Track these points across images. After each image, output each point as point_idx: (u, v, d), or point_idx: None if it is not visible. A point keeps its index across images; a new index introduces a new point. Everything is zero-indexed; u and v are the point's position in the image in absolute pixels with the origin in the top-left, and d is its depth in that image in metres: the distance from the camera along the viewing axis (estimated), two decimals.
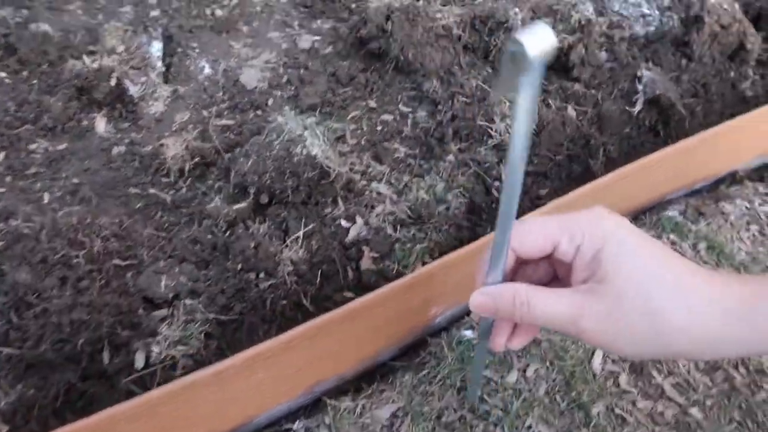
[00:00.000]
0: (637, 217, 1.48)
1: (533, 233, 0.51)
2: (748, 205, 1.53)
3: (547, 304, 0.48)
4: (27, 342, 1.04)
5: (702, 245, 1.41)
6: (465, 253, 1.12)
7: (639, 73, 1.64)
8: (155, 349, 1.09)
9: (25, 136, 1.47)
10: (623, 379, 1.19)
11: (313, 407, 1.15)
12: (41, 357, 1.03)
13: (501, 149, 1.51)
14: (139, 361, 1.09)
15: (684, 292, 0.45)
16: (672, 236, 1.41)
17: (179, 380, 0.91)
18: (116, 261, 1.14)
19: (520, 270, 0.56)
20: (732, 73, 1.80)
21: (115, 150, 1.46)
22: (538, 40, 0.37)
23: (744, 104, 1.77)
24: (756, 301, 0.44)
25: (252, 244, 1.20)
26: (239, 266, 1.19)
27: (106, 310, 1.07)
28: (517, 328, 0.57)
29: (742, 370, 1.23)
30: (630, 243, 0.47)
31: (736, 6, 1.81)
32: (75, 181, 1.38)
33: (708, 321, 0.44)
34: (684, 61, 1.79)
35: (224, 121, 1.54)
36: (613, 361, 1.22)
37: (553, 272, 0.56)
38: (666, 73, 1.73)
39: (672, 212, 1.48)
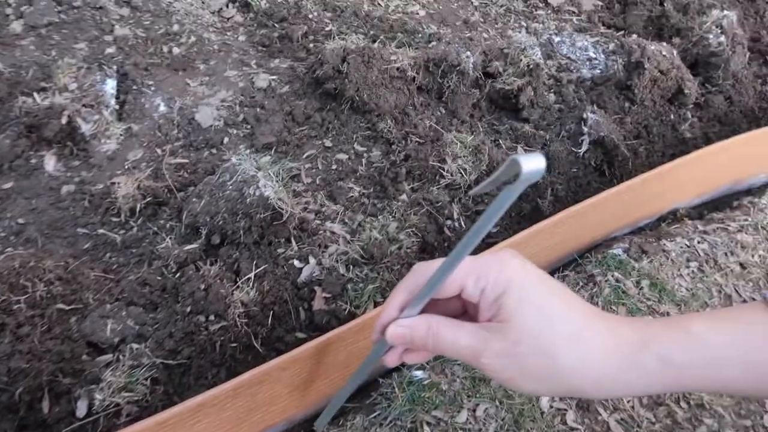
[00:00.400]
0: (583, 255, 1.53)
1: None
2: (687, 243, 1.60)
3: (454, 338, 0.52)
4: None
5: (645, 282, 1.46)
6: None
7: (584, 116, 1.72)
8: (98, 396, 1.06)
9: None
10: (570, 416, 1.21)
11: None
12: None
13: (453, 188, 1.54)
14: (81, 409, 1.06)
15: (578, 339, 0.48)
16: (617, 274, 1.46)
17: (125, 429, 0.89)
18: (60, 305, 1.12)
19: (433, 303, 0.59)
20: (672, 116, 1.90)
21: (65, 189, 1.44)
22: (532, 163, 0.44)
23: (683, 145, 1.86)
24: (643, 347, 0.48)
25: (202, 286, 1.20)
26: (188, 309, 1.18)
27: (48, 357, 1.04)
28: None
29: (683, 404, 1.27)
30: (531, 289, 0.50)
31: (674, 53, 1.92)
32: (20, 221, 1.35)
33: (601, 366, 0.48)
34: (627, 104, 1.87)
35: (178, 160, 1.54)
36: (561, 400, 1.24)
37: (462, 306, 0.60)
38: (610, 115, 1.81)
39: (617, 250, 1.53)
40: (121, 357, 1.12)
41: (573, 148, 1.69)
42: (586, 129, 1.69)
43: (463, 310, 0.59)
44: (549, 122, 1.80)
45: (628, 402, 1.26)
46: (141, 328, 1.16)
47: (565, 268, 1.50)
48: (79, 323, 1.13)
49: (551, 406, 1.22)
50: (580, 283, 1.44)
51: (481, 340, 0.51)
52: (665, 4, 2.32)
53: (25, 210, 1.38)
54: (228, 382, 0.96)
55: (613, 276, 1.46)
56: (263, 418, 1.08)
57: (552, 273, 1.49)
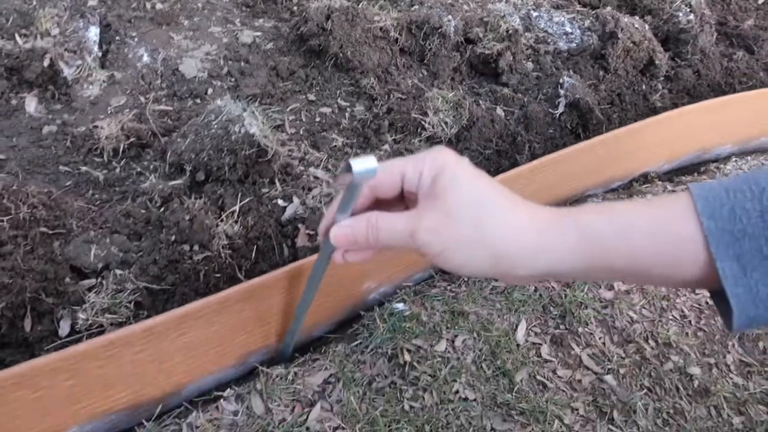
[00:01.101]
0: (559, 204, 1.58)
1: (385, 171, 0.57)
2: None
3: (391, 224, 0.54)
4: None
5: None
6: None
7: (561, 80, 1.77)
8: (82, 316, 1.06)
9: None
10: (544, 349, 1.26)
11: (245, 377, 1.15)
12: None
13: (434, 141, 1.58)
14: (64, 328, 1.06)
15: (506, 207, 0.51)
16: None
17: (107, 334, 0.89)
18: (43, 229, 1.12)
19: (377, 209, 0.61)
20: (643, 86, 1.97)
21: (46, 129, 1.43)
22: (362, 164, 0.51)
23: (654, 114, 1.93)
24: (566, 219, 0.50)
25: (187, 217, 1.21)
26: (173, 238, 1.19)
27: (30, 276, 1.04)
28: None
29: (651, 342, 1.33)
30: (463, 171, 0.53)
31: (646, 26, 2.00)
32: (1, 157, 1.34)
33: (525, 234, 0.50)
34: (601, 73, 1.94)
35: (162, 107, 1.55)
36: (536, 334, 1.28)
37: (404, 207, 0.61)
38: (585, 81, 1.87)
39: (592, 199, 1.59)
40: (104, 281, 1.12)
41: (550, 110, 1.74)
42: (562, 92, 1.74)
43: (406, 208, 0.61)
44: (527, 87, 1.86)
45: (600, 339, 1.31)
46: (125, 255, 1.16)
47: None
48: (62, 247, 1.13)
49: (527, 340, 1.27)
50: None
51: (416, 219, 0.53)
52: None
53: (5, 147, 1.37)
54: (214, 295, 0.97)
55: None
56: (246, 341, 1.09)
57: None
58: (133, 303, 1.10)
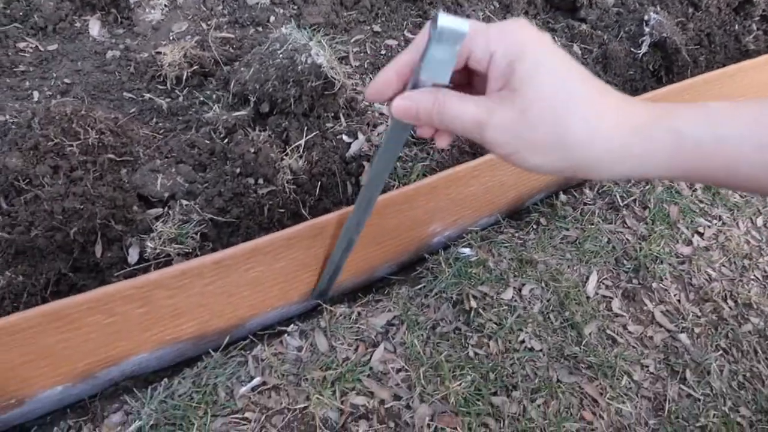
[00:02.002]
0: None
1: None
2: None
3: (459, 107, 0.47)
4: (17, 227, 1.01)
5: (698, 184, 1.42)
6: (470, 169, 1.11)
7: (646, 17, 1.63)
8: (150, 244, 1.06)
9: (13, 33, 1.41)
10: (615, 304, 1.20)
11: (308, 313, 1.14)
12: (32, 244, 1.00)
13: None
14: (133, 256, 1.07)
15: (591, 108, 0.45)
16: None
17: (179, 264, 0.89)
18: (111, 155, 1.10)
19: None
20: (736, 26, 1.80)
21: (109, 54, 1.41)
22: (451, 21, 0.44)
23: (745, 57, 1.77)
24: (657, 120, 0.45)
25: (252, 150, 1.17)
26: (238, 170, 1.16)
27: (100, 203, 1.04)
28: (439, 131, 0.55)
29: (730, 302, 1.25)
30: (546, 58, 0.45)
31: None
32: (66, 81, 1.33)
33: (611, 137, 0.44)
34: (691, 10, 1.77)
35: (224, 34, 1.49)
36: (607, 287, 1.23)
37: (469, 83, 0.54)
38: (673, 19, 1.71)
39: None
40: (170, 211, 1.11)
41: (632, 49, 1.61)
42: (647, 29, 1.60)
43: (470, 85, 0.54)
44: (607, 24, 1.72)
45: (675, 296, 1.24)
46: (190, 185, 1.15)
47: None
48: (129, 175, 1.12)
49: (597, 293, 1.21)
50: (632, 181, 1.40)
51: (487, 111, 0.46)
52: None
53: (70, 71, 1.35)
54: (283, 231, 0.95)
55: None
56: (312, 278, 1.08)
57: None
58: (198, 234, 1.10)
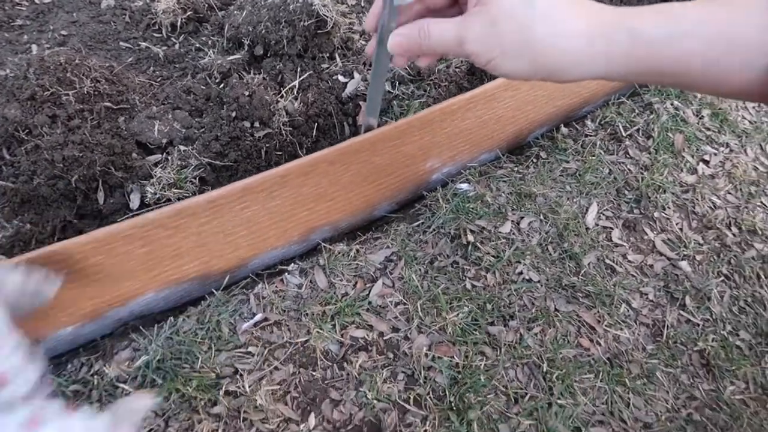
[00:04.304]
0: (643, 83, 1.44)
1: None
2: None
3: (441, 31, 0.53)
4: (20, 177, 1.04)
5: (706, 111, 1.38)
6: (466, 101, 1.10)
7: None
8: (150, 190, 1.09)
9: None
10: (615, 234, 1.20)
11: (308, 253, 1.17)
12: (36, 192, 1.03)
13: None
14: (134, 201, 1.09)
15: (554, 14, 0.48)
16: (676, 102, 1.38)
17: (174, 204, 0.91)
18: (107, 103, 1.12)
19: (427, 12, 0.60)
20: None
21: (104, 3, 1.40)
22: None
23: None
24: (618, 23, 0.48)
25: (247, 93, 1.18)
26: (234, 114, 1.17)
27: (99, 150, 1.06)
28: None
29: (734, 229, 1.24)
30: None
31: None
32: (63, 33, 1.34)
33: (574, 37, 0.48)
34: None
35: None
36: (607, 218, 1.22)
37: (457, 11, 0.59)
38: None
39: None
40: (169, 157, 1.13)
41: None
42: None
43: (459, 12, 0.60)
44: None
45: (677, 224, 1.23)
46: (187, 131, 1.16)
47: (622, 96, 1.42)
48: (127, 122, 1.13)
49: (597, 224, 1.21)
50: (636, 111, 1.37)
51: (464, 27, 0.52)
52: None
53: (66, 23, 1.36)
54: (275, 168, 0.96)
55: (672, 104, 1.38)
56: (309, 217, 1.09)
57: (606, 101, 1.41)
58: (197, 179, 1.12)
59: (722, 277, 1.17)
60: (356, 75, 1.28)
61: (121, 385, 0.92)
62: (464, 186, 1.20)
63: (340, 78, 1.28)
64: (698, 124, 1.36)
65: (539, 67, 0.50)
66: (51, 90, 1.06)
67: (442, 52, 0.56)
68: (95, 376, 0.93)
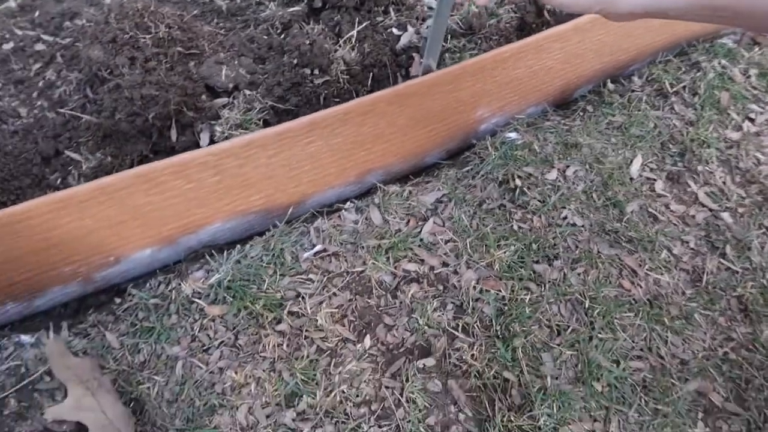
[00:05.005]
0: (691, 43, 1.46)
1: None
2: None
3: None
4: (103, 113, 1.13)
5: (753, 71, 1.40)
6: (516, 49, 1.14)
7: None
8: (218, 129, 1.17)
9: None
10: (659, 185, 1.24)
11: (363, 194, 1.23)
12: (116, 128, 1.12)
13: None
14: (204, 140, 1.17)
15: None
16: (723, 61, 1.40)
17: (245, 135, 0.99)
18: (179, 48, 1.20)
19: None
20: None
21: None
22: None
23: None
24: None
25: (307, 42, 1.24)
26: (295, 61, 1.24)
27: (173, 90, 1.14)
28: None
29: None
30: None
31: None
32: None
33: None
34: None
35: None
36: (651, 170, 1.26)
37: None
38: None
39: (726, 40, 1.45)
40: (235, 100, 1.21)
41: None
42: None
43: None
44: None
45: (720, 178, 1.26)
46: (252, 76, 1.23)
47: (670, 54, 1.44)
48: (197, 67, 1.21)
49: (641, 175, 1.25)
50: (683, 69, 1.40)
51: None
52: None
53: None
54: (338, 106, 1.03)
55: (719, 63, 1.40)
56: (366, 158, 1.16)
57: (654, 60, 1.44)
58: (261, 120, 1.19)
59: (764, 229, 1.20)
60: (409, 28, 1.34)
61: (196, 300, 1.01)
62: (512, 135, 1.25)
63: (394, 31, 1.33)
64: (745, 83, 1.38)
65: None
66: (130, 33, 1.15)
67: None
68: (173, 291, 1.02)
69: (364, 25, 1.29)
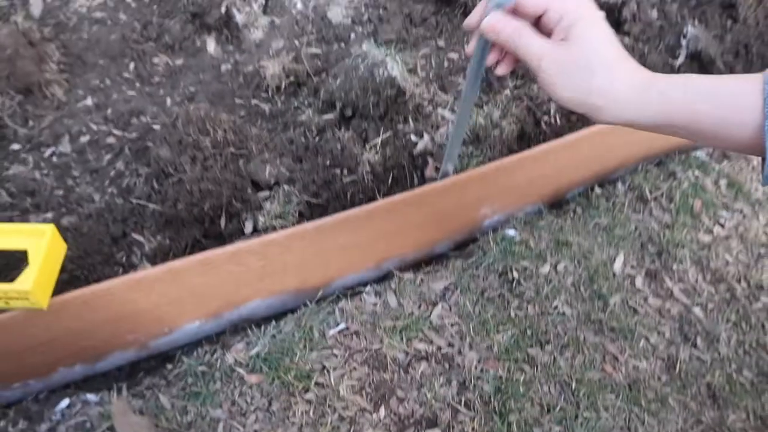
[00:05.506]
0: (668, 154, 1.68)
1: None
2: None
3: (531, 38, 0.68)
4: (166, 203, 1.34)
5: (723, 182, 1.61)
6: (516, 161, 1.36)
7: (684, 30, 1.81)
8: (261, 219, 1.37)
9: (149, 51, 1.76)
10: (639, 280, 1.42)
11: (381, 279, 1.42)
12: (176, 215, 1.33)
13: None
14: (248, 227, 1.38)
15: (614, 67, 0.65)
16: (697, 172, 1.61)
17: (287, 229, 1.19)
18: (232, 149, 1.42)
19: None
20: None
21: (223, 67, 1.73)
22: None
23: None
24: (652, 84, 0.64)
25: (339, 146, 1.47)
26: (327, 162, 1.46)
27: (225, 185, 1.35)
28: (505, 57, 0.76)
29: (743, 284, 1.45)
30: (595, 27, 0.66)
31: None
32: (192, 89, 1.66)
33: (621, 90, 0.64)
34: (729, 22, 1.94)
35: (313, 50, 1.80)
36: (632, 267, 1.45)
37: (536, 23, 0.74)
38: (710, 31, 1.89)
39: (700, 153, 1.67)
40: (276, 194, 1.42)
41: (670, 60, 1.80)
42: (684, 42, 1.79)
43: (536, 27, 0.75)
44: (649, 36, 1.91)
45: (693, 276, 1.45)
46: (291, 174, 1.45)
47: (649, 164, 1.66)
48: (245, 165, 1.43)
49: (623, 271, 1.43)
50: (661, 177, 1.61)
51: (547, 48, 0.65)
52: None
53: (194, 81, 1.69)
54: (365, 206, 1.23)
55: (693, 173, 1.61)
56: (385, 248, 1.36)
57: (635, 168, 1.65)
58: (297, 213, 1.40)
59: (731, 324, 1.37)
60: (425, 135, 1.57)
61: (238, 369, 1.18)
62: (511, 232, 1.45)
63: (412, 137, 1.56)
64: (715, 191, 1.59)
65: (588, 103, 0.65)
66: (193, 137, 1.37)
67: (521, 57, 0.68)
68: (218, 360, 1.20)
69: (387, 134, 1.52)
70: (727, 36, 1.91)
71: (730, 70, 1.85)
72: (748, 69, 1.90)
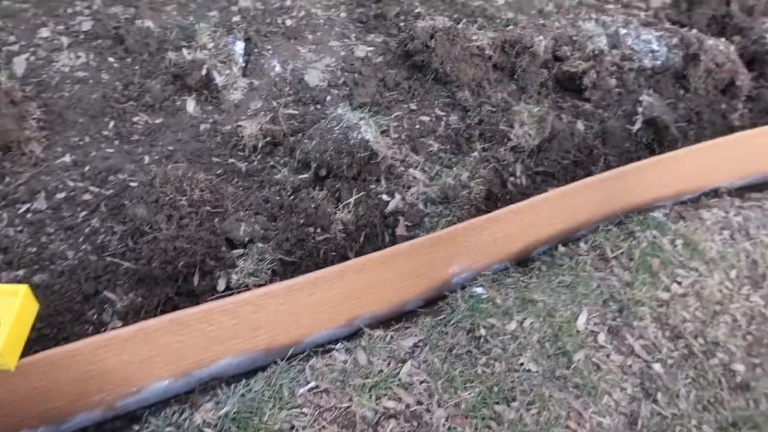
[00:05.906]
0: (627, 214, 1.76)
1: None
2: (724, 214, 1.81)
3: None
4: (140, 261, 1.36)
5: (679, 241, 1.69)
6: (482, 221, 1.42)
7: (640, 98, 1.94)
8: (234, 277, 1.40)
9: (129, 110, 1.81)
10: (601, 337, 1.47)
11: (351, 336, 1.45)
12: (150, 273, 1.35)
13: (518, 150, 1.81)
14: (221, 285, 1.40)
15: None
16: (655, 232, 1.69)
17: (261, 288, 1.21)
18: (208, 208, 1.46)
19: None
20: (723, 105, 2.09)
21: (202, 127, 1.79)
22: None
23: (731, 132, 2.04)
24: None
25: (313, 205, 1.51)
26: (301, 221, 1.50)
27: (200, 243, 1.38)
28: None
29: (700, 340, 1.50)
30: None
31: (732, 48, 2.10)
32: (170, 148, 1.71)
33: None
34: (682, 92, 2.08)
35: (290, 111, 1.87)
36: (595, 323, 1.50)
37: None
38: (665, 100, 2.02)
39: (657, 213, 1.76)
40: (250, 252, 1.45)
41: (627, 125, 1.91)
42: (640, 109, 1.91)
43: None
44: (608, 103, 2.03)
45: (652, 333, 1.50)
46: (265, 232, 1.49)
47: (610, 224, 1.73)
48: (220, 223, 1.46)
49: (586, 328, 1.48)
50: (621, 237, 1.68)
51: None
52: (731, 5, 2.47)
53: (172, 140, 1.74)
54: (337, 265, 1.27)
55: (651, 233, 1.69)
56: (357, 306, 1.39)
57: (596, 228, 1.73)
58: (270, 270, 1.43)
59: (690, 379, 1.42)
60: (397, 195, 1.63)
61: (206, 429, 1.18)
62: (479, 290, 1.49)
63: (384, 197, 1.62)
64: (672, 251, 1.66)
65: None
66: (170, 196, 1.41)
67: None
68: (186, 421, 1.20)
69: (361, 194, 1.58)
70: (679, 104, 2.04)
71: (684, 135, 1.97)
72: (700, 135, 2.02)
